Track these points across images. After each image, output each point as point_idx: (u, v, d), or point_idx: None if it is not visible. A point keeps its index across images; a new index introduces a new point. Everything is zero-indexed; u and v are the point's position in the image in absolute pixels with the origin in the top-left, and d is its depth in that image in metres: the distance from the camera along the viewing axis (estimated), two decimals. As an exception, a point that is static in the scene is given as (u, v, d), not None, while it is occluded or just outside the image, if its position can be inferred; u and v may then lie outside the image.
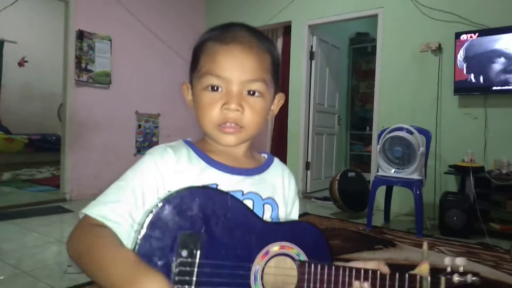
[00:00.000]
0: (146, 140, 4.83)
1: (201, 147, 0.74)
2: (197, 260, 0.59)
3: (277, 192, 0.77)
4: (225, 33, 0.71)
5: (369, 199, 3.31)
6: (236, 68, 0.69)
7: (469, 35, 3.49)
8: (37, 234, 2.90)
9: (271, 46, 0.75)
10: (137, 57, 4.69)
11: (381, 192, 3.52)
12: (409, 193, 3.23)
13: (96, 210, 0.63)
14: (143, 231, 0.58)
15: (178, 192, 0.61)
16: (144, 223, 0.58)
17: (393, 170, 3.22)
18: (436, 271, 0.72)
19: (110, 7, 4.42)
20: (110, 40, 4.38)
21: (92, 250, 0.59)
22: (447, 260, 0.71)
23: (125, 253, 0.58)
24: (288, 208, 0.80)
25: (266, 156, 0.83)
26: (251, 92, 0.70)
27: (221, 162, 0.72)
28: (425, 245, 0.72)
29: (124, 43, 4.54)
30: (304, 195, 4.70)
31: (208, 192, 0.63)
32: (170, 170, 0.68)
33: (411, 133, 3.17)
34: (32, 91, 6.66)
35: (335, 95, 5.43)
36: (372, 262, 0.71)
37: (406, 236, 3.08)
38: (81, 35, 4.13)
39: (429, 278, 0.70)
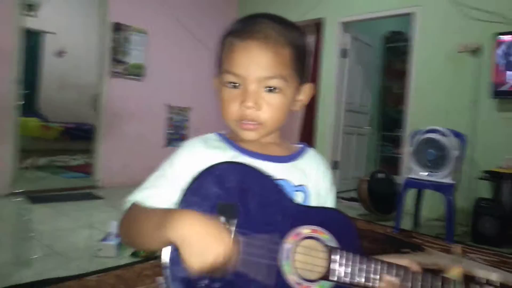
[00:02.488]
0: (176, 133, 4.91)
1: (232, 137, 0.77)
2: (234, 228, 0.61)
3: (310, 180, 0.77)
4: (245, 27, 0.70)
5: (398, 202, 3.24)
6: (251, 65, 0.68)
7: (510, 36, 3.35)
8: (70, 218, 3.01)
9: (294, 37, 0.72)
10: (171, 51, 4.77)
11: (411, 195, 3.44)
12: (440, 198, 3.13)
13: (137, 196, 0.69)
14: (184, 196, 0.62)
15: (220, 164, 0.64)
16: (185, 190, 0.62)
17: (426, 173, 3.14)
18: (468, 279, 0.69)
19: (146, 0, 4.52)
20: (146, 33, 4.47)
21: (134, 225, 0.66)
22: (481, 272, 0.70)
23: (158, 209, 0.64)
24: (322, 198, 0.80)
25: (301, 146, 0.84)
26: (269, 89, 0.70)
27: (252, 150, 0.74)
28: (458, 250, 0.70)
29: (159, 37, 4.62)
30: (331, 195, 4.65)
31: (247, 169, 0.66)
32: (202, 158, 0.70)
33: (445, 135, 3.07)
34: (69, 81, 6.89)
35: (367, 95, 5.34)
36: (405, 259, 0.69)
37: (435, 241, 3.00)
38: (117, 27, 4.24)
39: (463, 285, 0.67)
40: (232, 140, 0.76)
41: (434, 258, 2.58)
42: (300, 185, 0.75)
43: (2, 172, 3.58)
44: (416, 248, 2.80)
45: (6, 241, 2.51)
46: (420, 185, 3.25)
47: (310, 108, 5.14)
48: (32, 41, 6.28)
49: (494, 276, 0.67)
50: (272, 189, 0.66)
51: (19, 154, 4.03)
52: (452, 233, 2.98)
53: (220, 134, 0.78)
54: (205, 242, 0.55)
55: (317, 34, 5.04)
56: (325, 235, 0.66)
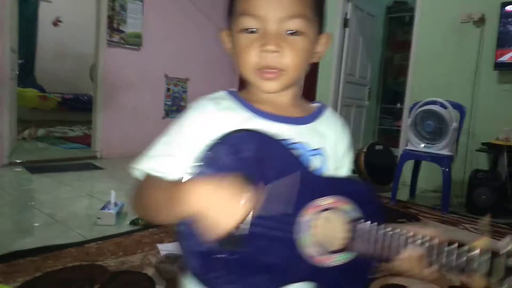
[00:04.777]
0: (175, 104, 4.88)
1: (245, 97, 0.71)
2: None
3: (327, 143, 0.72)
4: None
5: (395, 173, 3.27)
6: (272, 4, 0.63)
7: (517, 6, 3.27)
8: (70, 188, 3.04)
9: None
10: (169, 20, 4.67)
11: (408, 167, 3.46)
12: (437, 169, 3.16)
13: (146, 165, 0.65)
14: (198, 167, 0.58)
15: (234, 132, 0.59)
16: (197, 162, 0.58)
17: (423, 145, 3.14)
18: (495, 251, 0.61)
19: (142, -33, 4.39)
20: (142, 1, 4.37)
21: (146, 200, 0.62)
22: (500, 244, 0.60)
23: (169, 183, 0.60)
24: (339, 161, 0.75)
25: (318, 105, 0.78)
26: (291, 31, 0.64)
27: (266, 111, 0.68)
28: (485, 220, 0.63)
29: (156, 5, 4.51)
30: (329, 166, 4.68)
31: (263, 137, 0.61)
32: (213, 121, 0.66)
33: (444, 107, 3.06)
34: (66, 50, 6.78)
35: (367, 66, 5.27)
36: (430, 229, 0.65)
37: (431, 212, 3.04)
38: (113, -6, 4.13)
39: (490, 256, 0.60)
40: (244, 99, 0.70)
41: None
42: (318, 149, 0.70)
43: (0, 143, 3.58)
44: (412, 218, 2.84)
45: (7, 210, 2.54)
46: (417, 157, 3.26)
47: (311, 80, 5.09)
48: (26, 9, 6.13)
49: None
50: (290, 159, 0.62)
51: (17, 125, 4.02)
52: (447, 204, 3.03)
53: (231, 92, 0.72)
54: (219, 212, 0.52)
55: (318, 3, 4.92)
56: (346, 206, 0.63)
